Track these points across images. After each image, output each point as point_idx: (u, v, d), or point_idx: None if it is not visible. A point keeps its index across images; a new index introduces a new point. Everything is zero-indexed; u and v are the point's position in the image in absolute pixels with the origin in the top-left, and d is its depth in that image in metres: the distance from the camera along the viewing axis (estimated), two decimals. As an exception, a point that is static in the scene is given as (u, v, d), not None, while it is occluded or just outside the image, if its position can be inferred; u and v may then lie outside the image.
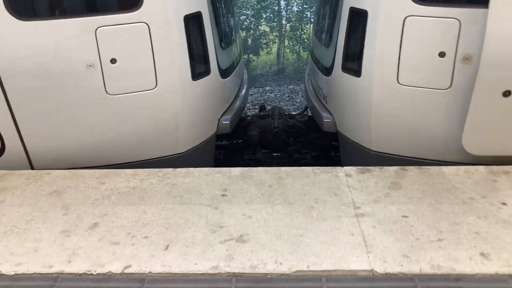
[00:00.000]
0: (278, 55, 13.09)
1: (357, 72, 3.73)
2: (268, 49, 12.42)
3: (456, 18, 3.22)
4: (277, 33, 12.63)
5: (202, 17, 3.75)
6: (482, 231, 2.73)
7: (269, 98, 10.20)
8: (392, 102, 3.61)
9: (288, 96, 10.22)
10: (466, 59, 3.29)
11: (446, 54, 3.31)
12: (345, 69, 3.88)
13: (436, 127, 3.58)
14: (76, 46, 3.29)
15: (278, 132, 5.21)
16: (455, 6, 3.21)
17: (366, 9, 3.52)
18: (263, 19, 12.28)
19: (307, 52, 12.89)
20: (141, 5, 3.34)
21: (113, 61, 3.39)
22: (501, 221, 2.82)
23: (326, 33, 4.51)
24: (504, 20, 3.06)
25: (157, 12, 3.40)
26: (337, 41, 3.95)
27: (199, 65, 3.82)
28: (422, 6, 3.28)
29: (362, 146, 3.97)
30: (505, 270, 2.44)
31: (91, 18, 3.26)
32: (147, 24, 3.38)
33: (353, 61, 3.78)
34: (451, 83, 3.39)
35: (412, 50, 3.38)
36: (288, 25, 12.43)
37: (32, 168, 3.78)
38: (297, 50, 13.02)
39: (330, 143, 5.21)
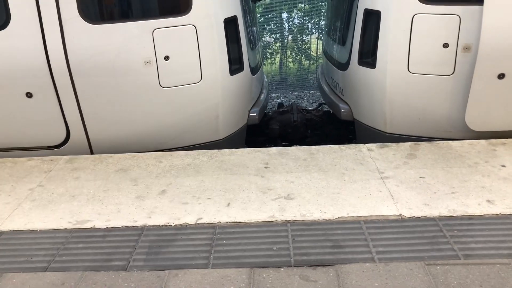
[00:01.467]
0: (280, 65, 13.72)
1: (372, 65, 4.33)
2: (272, 59, 13.05)
3: (456, 14, 3.84)
4: (279, 44, 13.28)
5: (237, 20, 4.35)
6: (487, 185, 3.31)
7: (276, 104, 10.79)
8: (403, 89, 4.21)
9: (294, 101, 10.82)
10: (466, 48, 3.91)
11: (449, 45, 3.93)
12: (361, 62, 4.48)
13: (442, 108, 4.17)
14: (136, 45, 3.87)
15: (297, 126, 5.79)
16: (455, 4, 3.84)
17: (379, 10, 4.14)
18: (266, 30, 12.94)
19: (308, 62, 13.56)
20: (190, 10, 3.93)
21: (166, 58, 3.97)
22: (502, 178, 3.40)
23: (341, 33, 5.13)
24: (497, 15, 3.69)
25: (202, 16, 3.99)
26: (353, 38, 4.56)
27: (235, 62, 4.41)
28: (428, 5, 3.90)
29: (377, 129, 4.56)
30: (507, 211, 3.01)
31: (149, 21, 3.85)
32: (194, 26, 3.97)
33: (368, 55, 4.39)
34: (454, 69, 4.00)
35: (420, 43, 3.99)
36: (290, 36, 13.10)
37: (92, 154, 4.32)
38: (299, 59, 13.65)
39: (343, 134, 5.79)
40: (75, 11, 3.74)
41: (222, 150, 4.06)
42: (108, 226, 3.04)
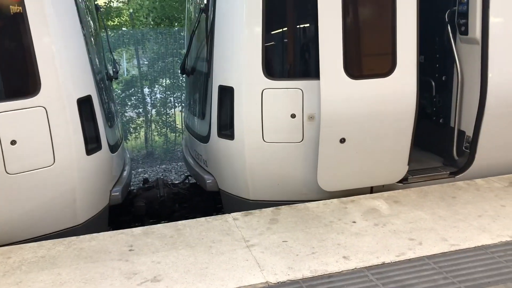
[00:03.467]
0: (146, 139, 13.57)
1: (230, 136, 4.53)
2: (136, 134, 12.87)
3: (299, 88, 4.27)
4: (143, 119, 13.21)
5: (92, 100, 4.26)
6: (342, 242, 3.57)
7: (143, 178, 10.53)
8: (261, 157, 4.45)
9: (162, 175, 10.68)
10: (311, 118, 4.32)
11: (296, 115, 4.31)
12: (220, 135, 4.66)
13: (297, 173, 4.48)
14: (-24, 131, 3.54)
15: (164, 201, 5.69)
16: (297, 79, 4.28)
17: (232, 86, 4.41)
18: (128, 106, 12.82)
19: (174, 134, 13.65)
20: (39, 92, 3.75)
21: (13, 142, 3.68)
22: (354, 233, 3.71)
23: (200, 107, 5.31)
24: (331, 87, 4.17)
25: (53, 97, 3.83)
26: (211, 113, 4.75)
27: (91, 141, 4.25)
28: (274, 81, 4.28)
29: (241, 197, 4.70)
30: (361, 264, 3.27)
31: (-9, 105, 3.58)
32: (44, 108, 3.78)
33: (226, 128, 4.59)
34: (303, 137, 4.37)
35: (271, 114, 4.31)
36: (153, 110, 13.13)
37: None
38: (164, 132, 13.68)
39: (211, 205, 5.84)
40: None
41: (81, 236, 3.79)
42: None
